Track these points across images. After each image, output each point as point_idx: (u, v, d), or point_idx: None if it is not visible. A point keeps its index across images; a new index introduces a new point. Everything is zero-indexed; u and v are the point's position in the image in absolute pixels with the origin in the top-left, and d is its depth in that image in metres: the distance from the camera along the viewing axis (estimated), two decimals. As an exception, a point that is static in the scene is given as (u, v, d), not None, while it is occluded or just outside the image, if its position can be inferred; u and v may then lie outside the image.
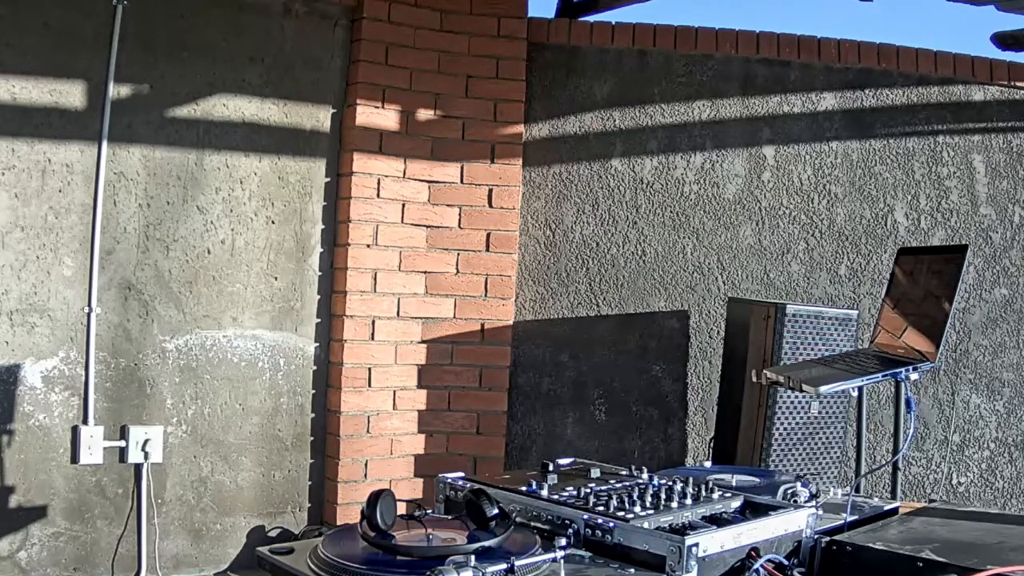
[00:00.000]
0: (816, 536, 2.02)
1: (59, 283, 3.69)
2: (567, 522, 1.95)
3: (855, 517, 2.18)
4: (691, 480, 2.17)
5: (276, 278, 4.10)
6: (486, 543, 1.78)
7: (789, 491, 2.30)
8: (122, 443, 3.67)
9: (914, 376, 2.64)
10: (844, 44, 4.69)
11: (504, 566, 1.67)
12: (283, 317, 4.11)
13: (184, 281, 3.92)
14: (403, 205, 4.22)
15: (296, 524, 4.17)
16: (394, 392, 4.23)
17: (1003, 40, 4.91)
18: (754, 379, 3.96)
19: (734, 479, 2.43)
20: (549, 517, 2.00)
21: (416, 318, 4.26)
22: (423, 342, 4.28)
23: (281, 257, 4.10)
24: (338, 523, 4.02)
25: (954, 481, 4.78)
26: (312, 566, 1.79)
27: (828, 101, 4.71)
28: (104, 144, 3.68)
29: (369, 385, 4.17)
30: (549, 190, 4.49)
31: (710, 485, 2.17)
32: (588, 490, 2.09)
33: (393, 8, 4.18)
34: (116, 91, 3.73)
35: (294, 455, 4.15)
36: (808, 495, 2.30)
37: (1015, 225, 4.85)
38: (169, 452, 3.86)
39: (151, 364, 3.86)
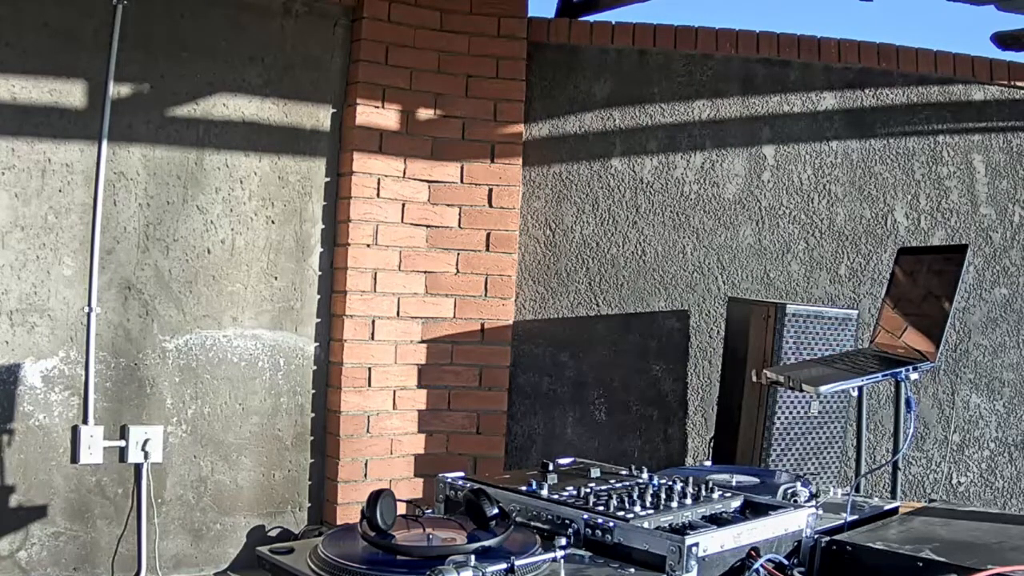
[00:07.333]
0: (816, 536, 2.02)
1: (59, 283, 3.69)
2: (567, 522, 1.95)
3: (855, 517, 2.18)
4: (691, 480, 2.17)
5: (276, 278, 4.10)
6: (486, 543, 1.78)
7: (789, 491, 2.29)
8: (122, 443, 3.67)
9: (914, 376, 2.64)
10: (844, 44, 4.69)
11: (504, 566, 1.67)
12: (283, 317, 4.11)
13: (184, 281, 3.92)
14: (403, 205, 4.22)
15: (296, 524, 4.17)
16: (394, 392, 4.23)
17: (1003, 40, 4.91)
18: (754, 379, 3.95)
19: (734, 479, 2.43)
20: (549, 517, 2.00)
21: (416, 318, 4.26)
22: (423, 342, 4.28)
23: (281, 257, 4.10)
24: (338, 523, 4.02)
25: (954, 481, 4.78)
26: (312, 566, 1.79)
27: (828, 101, 4.71)
28: (104, 144, 3.68)
29: (369, 385, 4.17)
30: (549, 190, 4.49)
31: (710, 485, 2.17)
32: (588, 490, 2.08)
33: (393, 8, 4.18)
34: (116, 91, 3.73)
35: (294, 455, 4.15)
36: (808, 495, 2.30)
37: (1015, 225, 4.85)
38: (169, 452, 3.86)
39: (151, 364, 3.87)
